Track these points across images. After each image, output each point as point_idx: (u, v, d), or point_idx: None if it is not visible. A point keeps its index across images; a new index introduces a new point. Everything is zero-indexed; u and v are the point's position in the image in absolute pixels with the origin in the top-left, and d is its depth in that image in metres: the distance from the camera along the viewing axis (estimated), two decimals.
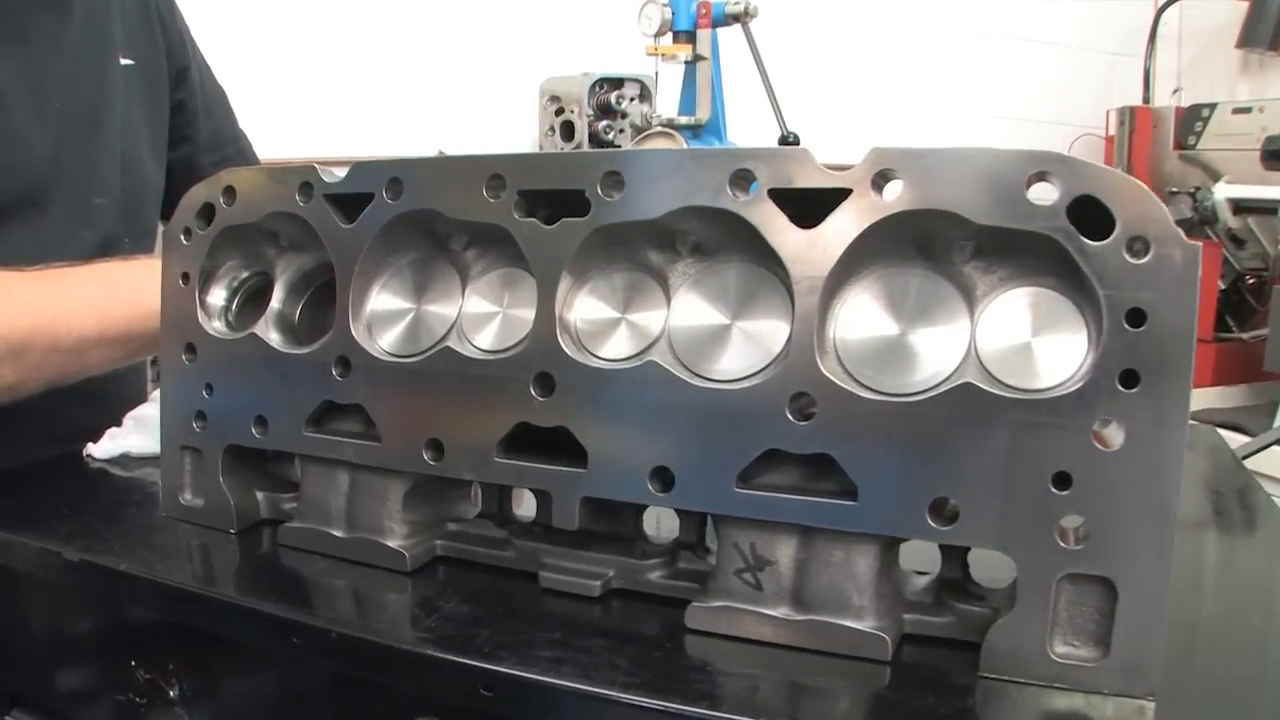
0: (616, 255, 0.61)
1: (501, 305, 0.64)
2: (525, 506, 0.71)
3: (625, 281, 0.61)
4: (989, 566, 0.59)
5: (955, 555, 0.60)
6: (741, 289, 0.59)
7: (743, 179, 0.57)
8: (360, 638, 0.59)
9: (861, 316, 0.57)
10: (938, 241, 0.56)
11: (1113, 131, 2.91)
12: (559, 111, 2.32)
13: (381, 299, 0.67)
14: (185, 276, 0.73)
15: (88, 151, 1.03)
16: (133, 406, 0.93)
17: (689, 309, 0.60)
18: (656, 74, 2.17)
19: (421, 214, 0.64)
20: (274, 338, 0.70)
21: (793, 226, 0.56)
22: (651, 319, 0.60)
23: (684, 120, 2.14)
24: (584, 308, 0.61)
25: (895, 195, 0.54)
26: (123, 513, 0.78)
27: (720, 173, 0.57)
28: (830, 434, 0.55)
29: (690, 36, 2.13)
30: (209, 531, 0.73)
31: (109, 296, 0.87)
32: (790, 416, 0.56)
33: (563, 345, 0.60)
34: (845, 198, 0.55)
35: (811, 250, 0.56)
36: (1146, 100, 3.04)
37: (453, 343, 0.63)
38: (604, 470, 0.60)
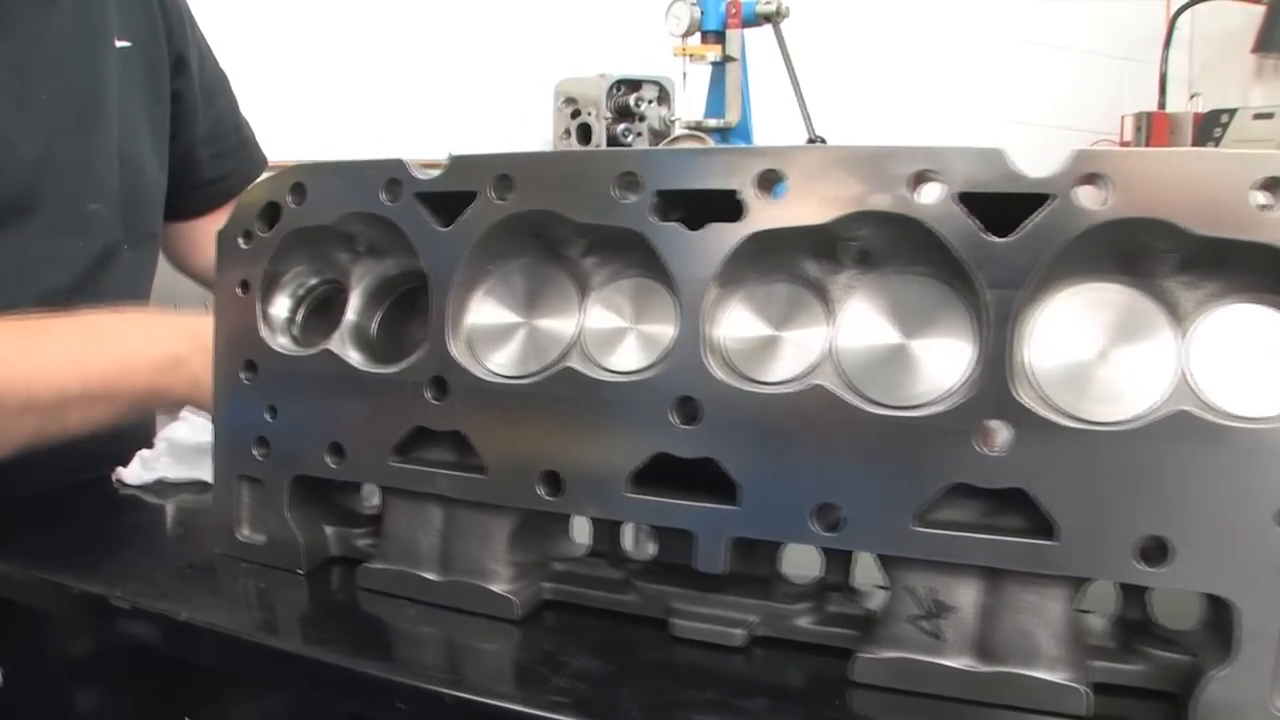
0: (769, 265, 0.55)
1: (631, 320, 0.57)
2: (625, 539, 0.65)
3: (778, 294, 0.56)
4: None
5: (1136, 594, 0.56)
6: (917, 304, 0.53)
7: (925, 180, 0.51)
8: (483, 703, 0.52)
9: (1058, 336, 0.52)
10: (1142, 253, 0.51)
11: (1128, 137, 2.87)
12: (575, 114, 2.25)
13: (484, 312, 0.60)
14: (244, 285, 0.65)
15: (81, 150, 0.92)
16: (142, 435, 0.85)
17: (858, 326, 0.54)
18: (685, 75, 2.11)
19: (534, 216, 0.58)
20: (352, 355, 0.63)
21: (985, 234, 0.50)
22: (812, 337, 0.55)
23: (713, 123, 2.09)
24: (733, 324, 0.55)
25: (1102, 202, 0.49)
26: (168, 548, 0.71)
27: (899, 173, 0.51)
28: (1026, 467, 0.50)
29: (719, 37, 2.09)
30: (272, 572, 0.66)
31: (92, 349, 0.77)
32: (978, 447, 0.51)
33: (709, 366, 0.54)
34: (1041, 203, 0.50)
35: (1005, 262, 0.50)
36: (1162, 105, 3.03)
37: (574, 362, 0.57)
38: (758, 507, 0.54)
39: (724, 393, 0.54)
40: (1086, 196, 0.49)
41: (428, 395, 0.60)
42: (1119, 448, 0.49)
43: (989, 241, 0.50)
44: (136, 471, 0.82)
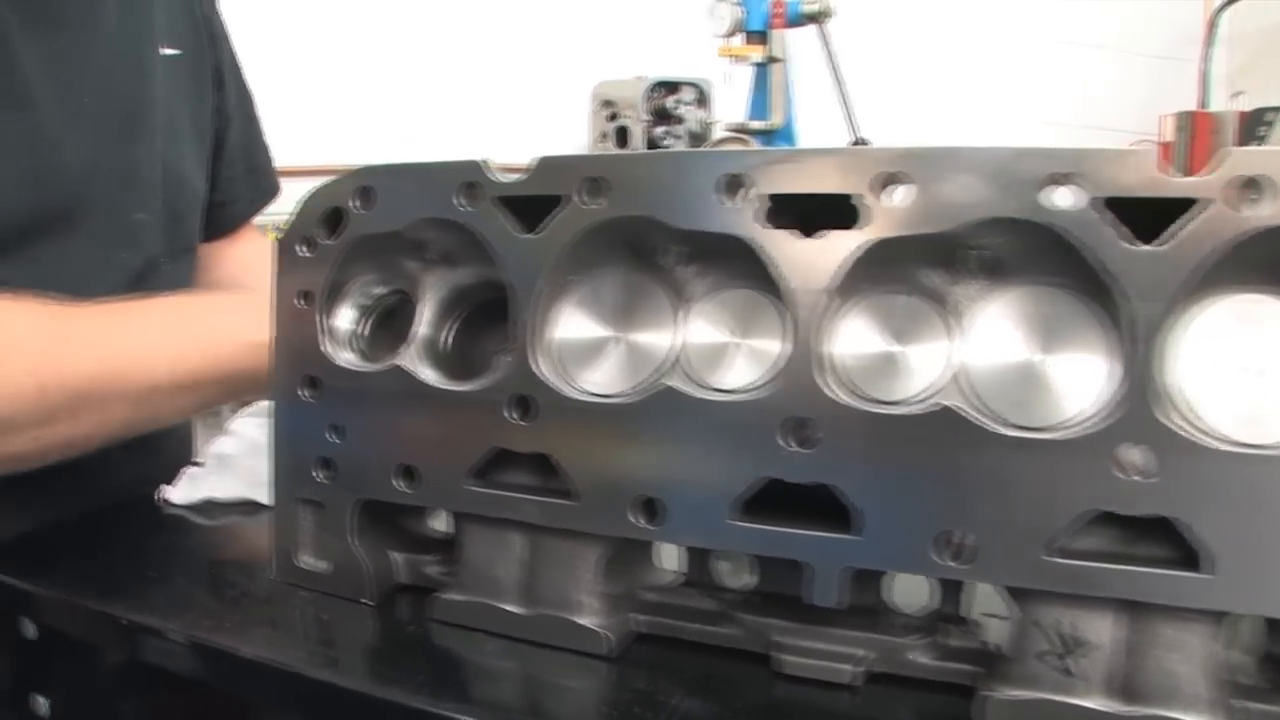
0: (887, 276, 0.52)
1: (735, 335, 0.54)
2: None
3: (897, 307, 0.52)
4: None
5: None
6: (1050, 317, 0.50)
7: (1061, 183, 0.48)
8: None
9: (1206, 353, 0.48)
10: None
11: (1169, 137, 2.80)
12: (613, 117, 2.23)
13: (571, 325, 0.57)
14: (305, 296, 0.62)
15: (127, 158, 0.88)
16: (184, 452, 0.82)
17: (986, 341, 0.50)
18: (728, 75, 2.08)
19: (628, 222, 0.54)
20: (425, 371, 0.59)
21: (1130, 243, 0.47)
22: (934, 353, 0.51)
23: (757, 125, 2.06)
24: (848, 339, 0.52)
25: (1263, 208, 0.46)
26: (222, 575, 0.67)
27: (1033, 176, 0.48)
28: (1174, 494, 0.47)
29: (762, 37, 2.05)
30: (336, 602, 0.62)
31: (180, 336, 0.74)
32: (1120, 474, 0.47)
33: (823, 385, 0.51)
34: (1189, 208, 0.46)
35: (1150, 272, 0.47)
36: (1204, 104, 2.97)
37: (674, 380, 0.53)
38: (878, 537, 0.51)
39: (840, 413, 0.50)
40: (1244, 201, 0.46)
41: (510, 415, 0.56)
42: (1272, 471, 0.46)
43: (1133, 251, 0.47)
44: (183, 490, 0.78)
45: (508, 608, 0.58)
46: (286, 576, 0.64)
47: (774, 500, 0.53)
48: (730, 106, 2.13)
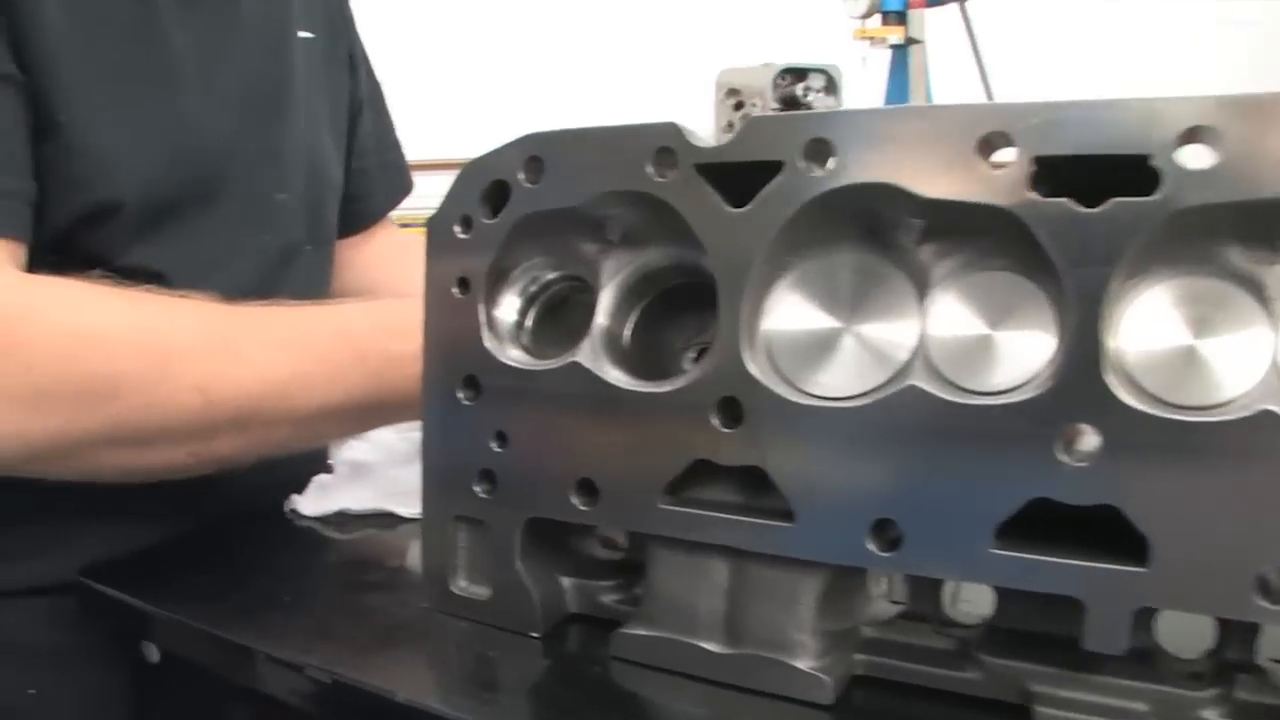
0: (1186, 254, 0.43)
1: (992, 325, 0.45)
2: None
3: (1200, 292, 0.43)
4: None
5: None
6: None
7: None
8: None
9: None
10: None
11: None
12: (738, 105, 2.14)
13: (788, 315, 0.48)
14: (463, 283, 0.54)
15: (268, 138, 0.85)
16: (317, 458, 0.75)
17: None
18: (864, 59, 1.99)
19: (862, 191, 0.46)
20: (609, 370, 0.51)
21: None
22: (1250, 346, 0.42)
23: None
24: (1138, 331, 0.43)
25: None
26: (363, 600, 0.60)
27: None
28: None
29: (901, 18, 1.97)
30: (498, 634, 0.55)
31: (353, 356, 0.68)
32: None
33: (1111, 386, 0.42)
34: None
35: None
36: None
37: (918, 379, 0.45)
38: (1177, 571, 0.42)
39: (1132, 421, 0.41)
40: None
41: (714, 421, 0.48)
42: None
43: None
44: (314, 500, 0.72)
45: (707, 646, 0.50)
46: (440, 604, 0.57)
47: (1028, 522, 0.44)
48: (862, 92, 2.04)
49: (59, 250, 0.71)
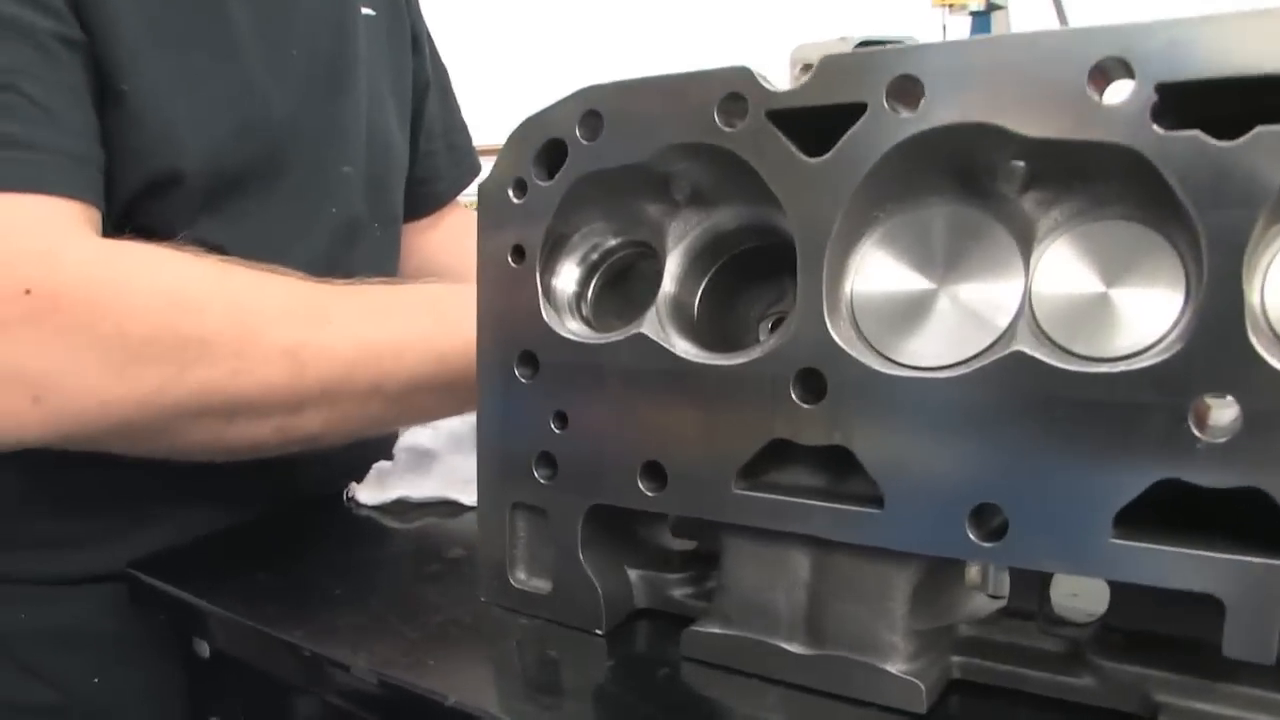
0: None
1: (1108, 282, 0.40)
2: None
3: None
4: None
5: None
6: None
7: None
8: None
9: None
10: None
11: None
12: None
13: (874, 276, 0.43)
14: (518, 251, 0.50)
15: (332, 113, 0.84)
16: (381, 445, 0.72)
17: None
18: (945, 26, 1.93)
19: (957, 133, 0.40)
20: (678, 341, 0.47)
21: None
22: None
23: None
24: None
25: None
26: (420, 596, 0.56)
27: None
28: None
29: None
30: (560, 631, 0.51)
31: (445, 327, 0.65)
32: None
33: (1257, 348, 0.36)
34: None
35: None
36: None
37: (1024, 344, 0.40)
38: None
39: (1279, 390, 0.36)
40: None
41: (794, 396, 0.43)
42: None
43: None
44: (373, 489, 0.69)
45: (787, 646, 0.45)
46: (497, 598, 0.53)
47: (1150, 507, 0.39)
48: None
49: (119, 224, 0.69)
